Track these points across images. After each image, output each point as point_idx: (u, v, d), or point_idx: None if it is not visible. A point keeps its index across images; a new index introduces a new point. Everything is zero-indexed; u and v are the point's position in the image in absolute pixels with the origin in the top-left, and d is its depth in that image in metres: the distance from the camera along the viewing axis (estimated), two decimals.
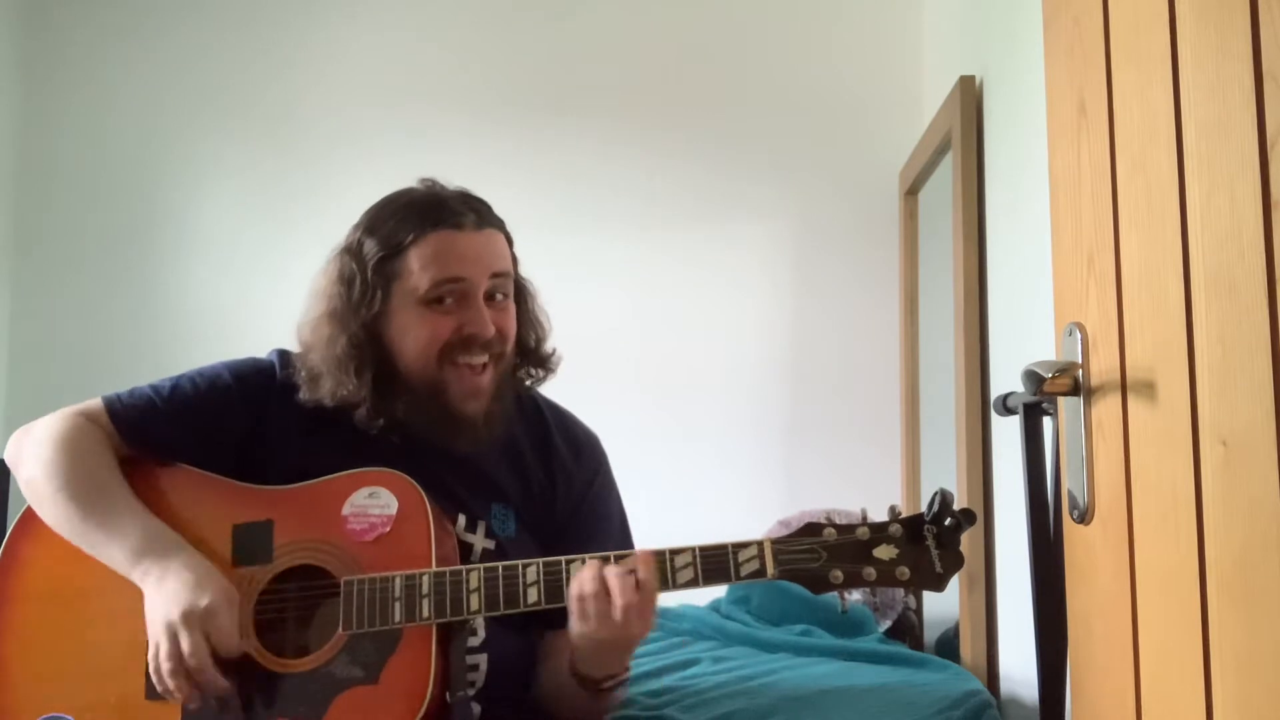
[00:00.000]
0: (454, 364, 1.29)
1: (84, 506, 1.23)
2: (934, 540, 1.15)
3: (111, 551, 1.22)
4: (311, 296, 1.35)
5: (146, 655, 1.19)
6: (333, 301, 1.31)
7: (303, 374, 1.33)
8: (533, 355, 1.42)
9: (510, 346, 1.35)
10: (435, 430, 1.31)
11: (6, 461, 1.33)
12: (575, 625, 1.15)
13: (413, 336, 1.29)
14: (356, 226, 1.34)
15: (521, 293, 1.41)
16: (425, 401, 1.30)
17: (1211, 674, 0.80)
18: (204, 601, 1.15)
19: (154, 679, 1.17)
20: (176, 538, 1.22)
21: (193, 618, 1.14)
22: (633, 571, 1.13)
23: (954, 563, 1.15)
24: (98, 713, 1.19)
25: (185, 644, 1.14)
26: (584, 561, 1.17)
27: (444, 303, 1.29)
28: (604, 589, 1.13)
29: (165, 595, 1.17)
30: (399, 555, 1.21)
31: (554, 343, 1.44)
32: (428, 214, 1.29)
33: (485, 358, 1.31)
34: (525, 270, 1.44)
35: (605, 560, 1.16)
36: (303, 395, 1.32)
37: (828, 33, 2.66)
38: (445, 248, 1.28)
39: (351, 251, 1.32)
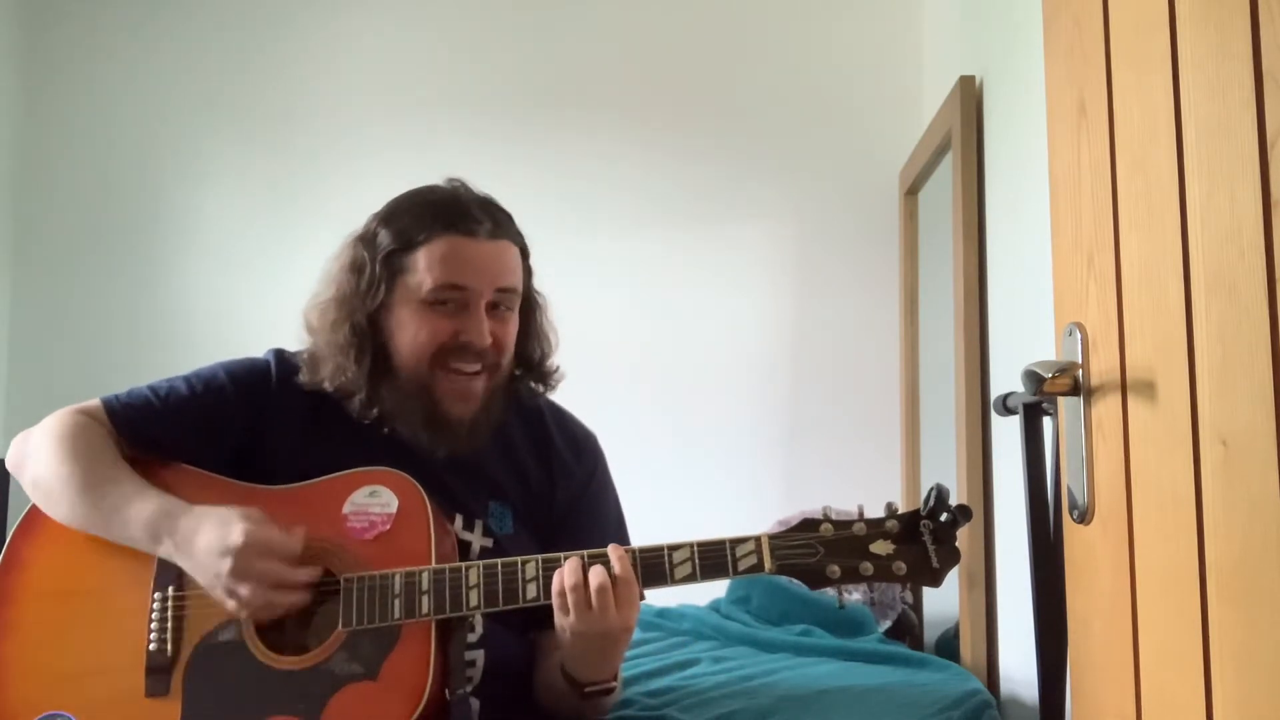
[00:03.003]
0: (445, 368, 1.30)
1: (94, 496, 1.23)
2: (930, 536, 1.16)
3: (132, 534, 1.22)
4: (321, 280, 1.36)
5: (146, 653, 1.20)
6: (341, 288, 1.32)
7: (305, 356, 1.34)
8: (535, 369, 1.42)
9: (506, 360, 1.35)
10: (420, 428, 1.31)
11: (8, 466, 1.33)
12: (558, 620, 1.17)
13: (410, 334, 1.30)
14: (375, 216, 1.35)
15: (531, 306, 1.41)
16: (413, 399, 1.30)
17: (1211, 674, 0.80)
18: (237, 537, 1.15)
19: (259, 619, 1.18)
20: (185, 504, 1.22)
21: (240, 555, 1.15)
22: (608, 565, 1.15)
23: (950, 558, 1.16)
24: (98, 711, 1.19)
25: (256, 575, 1.15)
26: (582, 557, 1.18)
27: (445, 305, 1.29)
28: (582, 582, 1.14)
29: (201, 558, 1.17)
30: (399, 553, 1.21)
31: (558, 359, 1.44)
32: (444, 215, 1.30)
33: (478, 366, 1.31)
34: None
35: (583, 557, 1.17)
36: (303, 378, 1.33)
37: (828, 33, 2.66)
38: (454, 253, 1.28)
39: (365, 240, 1.33)
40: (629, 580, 1.15)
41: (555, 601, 1.15)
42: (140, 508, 1.22)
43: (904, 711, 1.44)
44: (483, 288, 1.29)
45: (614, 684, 1.25)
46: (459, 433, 1.31)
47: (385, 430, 1.33)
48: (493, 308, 1.31)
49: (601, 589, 1.13)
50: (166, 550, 1.21)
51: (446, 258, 1.28)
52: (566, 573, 1.15)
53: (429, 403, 1.30)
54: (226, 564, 1.15)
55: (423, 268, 1.28)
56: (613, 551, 1.17)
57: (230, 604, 1.18)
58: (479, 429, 1.33)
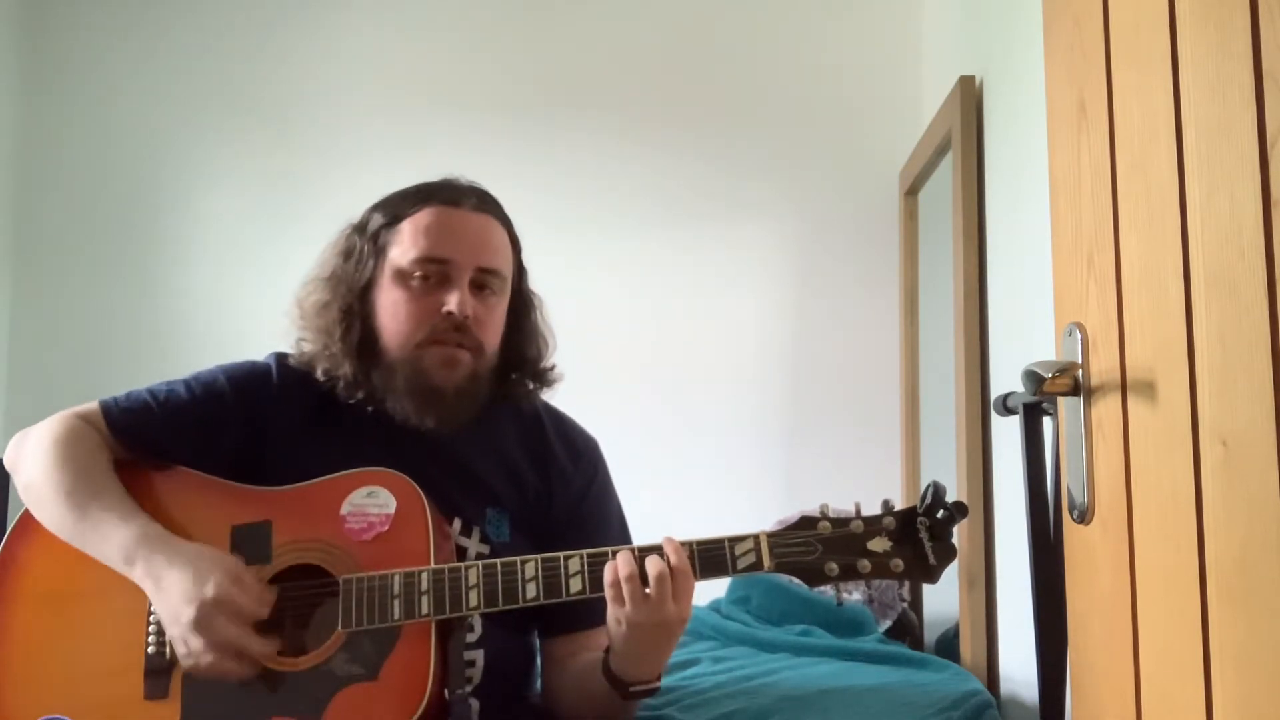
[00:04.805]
0: (429, 343, 1.29)
1: (79, 509, 1.23)
2: (927, 532, 1.16)
3: (107, 552, 1.21)
4: (314, 267, 1.38)
5: (145, 655, 1.20)
6: (331, 270, 1.34)
7: (297, 341, 1.35)
8: (531, 368, 1.41)
9: (489, 343, 1.34)
10: (406, 400, 1.30)
11: (6, 465, 1.33)
12: (612, 612, 1.15)
13: (393, 311, 1.30)
14: (369, 207, 1.38)
15: (524, 304, 1.41)
16: (400, 373, 1.30)
17: (1211, 674, 0.80)
18: (210, 591, 1.14)
19: (196, 674, 1.16)
20: (166, 534, 1.21)
21: (206, 608, 1.14)
22: (664, 556, 1.15)
23: (946, 554, 1.16)
24: (96, 714, 1.19)
25: (215, 635, 1.14)
26: (583, 556, 1.18)
27: (428, 280, 1.30)
28: (637, 573, 1.13)
29: (169, 596, 1.16)
30: (397, 554, 1.21)
31: (557, 358, 1.43)
32: (430, 190, 1.34)
33: (459, 340, 1.29)
34: (529, 269, 1.43)
35: (634, 549, 1.17)
36: (293, 360, 1.35)
37: (828, 33, 2.66)
38: (437, 221, 1.31)
39: (359, 227, 1.36)
40: (685, 571, 1.14)
41: (609, 593, 1.14)
42: (120, 528, 1.21)
43: (904, 711, 1.44)
44: (465, 261, 1.30)
45: (658, 685, 1.24)
46: (445, 403, 1.30)
47: (385, 424, 1.32)
48: (478, 288, 1.31)
49: (660, 577, 1.12)
50: (137, 575, 1.19)
51: (430, 227, 1.30)
52: (621, 563, 1.14)
53: (415, 373, 1.29)
54: (190, 612, 1.14)
55: (407, 239, 1.30)
56: (668, 544, 1.16)
57: (180, 649, 1.16)
58: (465, 400, 1.31)
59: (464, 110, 2.70)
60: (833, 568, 1.16)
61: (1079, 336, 1.04)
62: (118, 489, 1.25)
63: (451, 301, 1.28)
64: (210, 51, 2.79)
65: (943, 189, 2.14)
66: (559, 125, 2.69)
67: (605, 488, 1.44)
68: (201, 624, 1.14)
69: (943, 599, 2.06)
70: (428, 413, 1.30)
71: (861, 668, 1.70)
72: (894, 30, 2.63)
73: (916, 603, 2.17)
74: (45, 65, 2.82)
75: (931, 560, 1.16)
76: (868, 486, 2.42)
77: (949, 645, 1.99)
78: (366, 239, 1.33)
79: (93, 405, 1.32)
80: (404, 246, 1.30)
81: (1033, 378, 1.01)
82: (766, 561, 1.16)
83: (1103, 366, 1.00)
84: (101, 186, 2.78)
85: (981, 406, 1.88)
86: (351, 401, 1.32)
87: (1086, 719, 1.06)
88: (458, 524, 1.31)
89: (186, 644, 1.15)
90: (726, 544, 1.17)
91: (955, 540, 1.17)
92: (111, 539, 1.21)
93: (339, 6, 2.78)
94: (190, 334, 2.68)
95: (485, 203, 1.35)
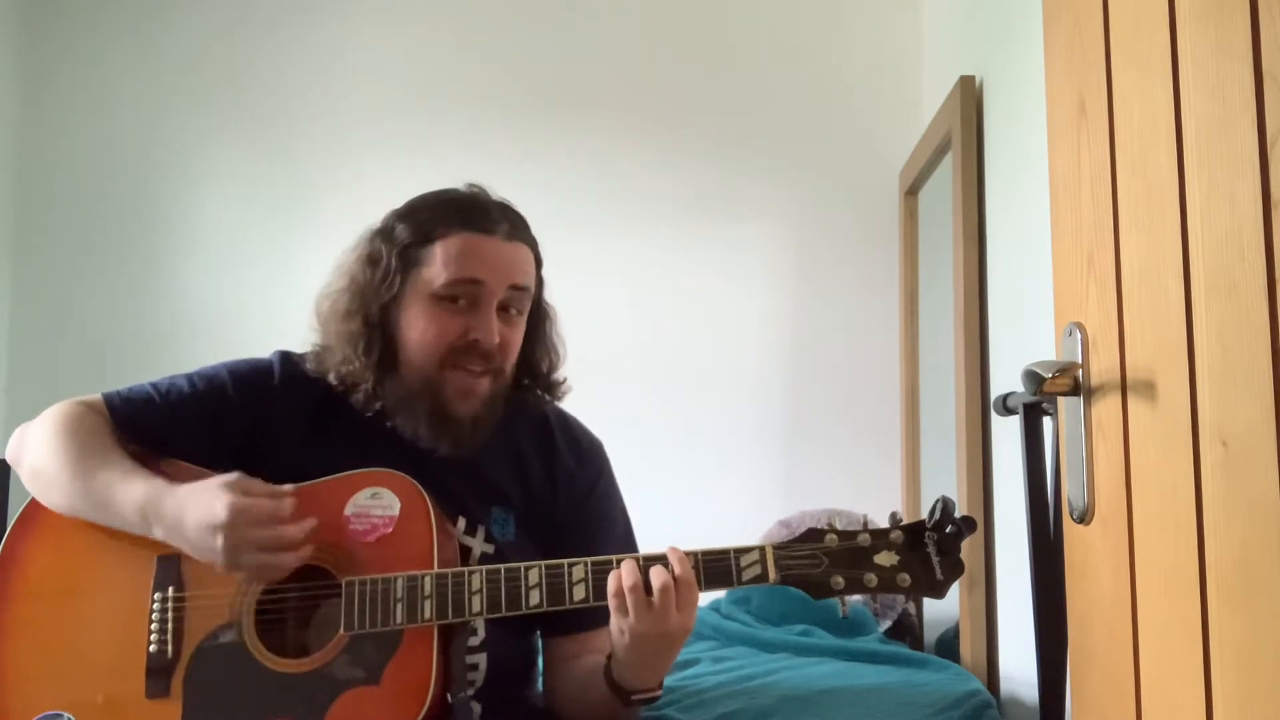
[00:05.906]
0: (452, 367, 1.29)
1: (86, 481, 1.23)
2: (934, 547, 1.15)
3: (125, 517, 1.22)
4: (335, 271, 1.36)
5: (146, 654, 1.20)
6: (355, 279, 1.33)
7: (313, 346, 1.35)
8: (542, 379, 1.42)
9: (509, 364, 1.34)
10: (422, 424, 1.30)
11: (8, 459, 1.33)
12: (615, 622, 1.15)
13: (420, 330, 1.30)
14: (394, 212, 1.36)
15: (541, 316, 1.41)
16: (418, 395, 1.30)
17: (1211, 674, 0.80)
18: (222, 513, 1.15)
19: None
20: (166, 485, 1.21)
21: (229, 532, 1.14)
22: (669, 566, 1.14)
23: (954, 570, 1.15)
24: (98, 712, 1.19)
25: (251, 545, 1.15)
26: (587, 564, 1.18)
27: (457, 302, 1.29)
28: (641, 583, 1.13)
29: (194, 539, 1.17)
30: (401, 556, 1.21)
31: (565, 371, 1.43)
32: (463, 212, 1.31)
33: (483, 367, 1.30)
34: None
35: (639, 559, 1.16)
36: (309, 366, 1.33)
37: (828, 33, 2.66)
38: (471, 249, 1.29)
39: (383, 234, 1.34)
40: (689, 582, 1.14)
41: (612, 603, 1.14)
42: (129, 492, 1.21)
43: (904, 711, 1.44)
44: (496, 285, 1.29)
45: (659, 692, 1.24)
46: (461, 430, 1.31)
47: (389, 425, 1.32)
48: (503, 309, 1.31)
49: (664, 588, 1.12)
50: (160, 535, 1.20)
51: (463, 253, 1.28)
52: (625, 573, 1.14)
53: (434, 400, 1.30)
54: (219, 541, 1.15)
55: (438, 262, 1.28)
56: (672, 554, 1.16)
57: (241, 578, 1.18)
58: (480, 427, 1.32)
59: (465, 111, 2.71)
60: (839, 581, 1.15)
61: (1079, 336, 1.04)
62: (118, 454, 1.25)
63: (480, 329, 1.28)
64: (211, 51, 2.79)
65: (943, 189, 2.14)
66: (559, 125, 2.69)
67: (610, 489, 1.44)
68: (233, 545, 1.15)
69: (943, 599, 2.06)
70: (443, 438, 1.30)
71: (862, 668, 1.70)
72: (894, 30, 2.63)
73: (917, 603, 2.18)
74: (45, 65, 2.82)
75: (939, 575, 1.15)
76: (868, 486, 2.45)
77: (949, 645, 2.00)
78: (394, 253, 1.31)
79: (95, 396, 1.32)
80: (435, 269, 1.28)
81: (1033, 378, 1.01)
82: (772, 574, 1.16)
83: (1103, 366, 1.00)
84: (102, 185, 2.79)
85: (981, 406, 1.88)
86: (368, 414, 1.32)
87: (1086, 719, 1.06)
88: (462, 523, 1.31)
89: (238, 567, 1.17)
90: (731, 555, 1.17)
91: (962, 555, 1.17)
92: (125, 505, 1.21)
93: (340, 7, 2.78)
94: (191, 333, 2.68)
95: (516, 228, 1.33)
